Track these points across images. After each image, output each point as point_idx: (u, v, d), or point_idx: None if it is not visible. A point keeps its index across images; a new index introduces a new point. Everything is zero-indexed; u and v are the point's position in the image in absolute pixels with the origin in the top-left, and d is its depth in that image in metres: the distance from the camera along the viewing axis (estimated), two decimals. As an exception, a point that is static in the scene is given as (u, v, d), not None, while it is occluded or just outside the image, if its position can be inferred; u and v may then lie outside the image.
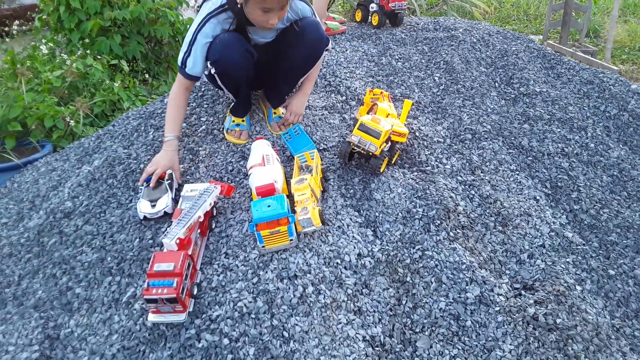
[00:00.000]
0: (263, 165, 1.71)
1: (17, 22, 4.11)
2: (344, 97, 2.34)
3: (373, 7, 2.80)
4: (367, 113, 2.12)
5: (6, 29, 4.52)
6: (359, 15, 2.92)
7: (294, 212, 1.63)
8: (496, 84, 2.58)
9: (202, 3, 1.91)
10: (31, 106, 2.93)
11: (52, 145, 2.92)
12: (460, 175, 2.03)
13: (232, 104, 2.10)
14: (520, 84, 2.58)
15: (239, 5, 1.79)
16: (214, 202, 1.72)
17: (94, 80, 3.32)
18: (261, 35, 1.98)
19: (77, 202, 1.96)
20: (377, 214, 1.78)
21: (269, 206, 1.55)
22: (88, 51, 3.46)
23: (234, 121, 2.08)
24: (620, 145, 2.44)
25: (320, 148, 2.05)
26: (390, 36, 2.77)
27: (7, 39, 4.38)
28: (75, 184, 2.05)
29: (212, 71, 1.88)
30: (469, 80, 2.49)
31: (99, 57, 3.53)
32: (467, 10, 9.11)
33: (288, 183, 1.79)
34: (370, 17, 2.85)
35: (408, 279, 1.60)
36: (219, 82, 1.94)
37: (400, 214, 1.78)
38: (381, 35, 2.77)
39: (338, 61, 2.56)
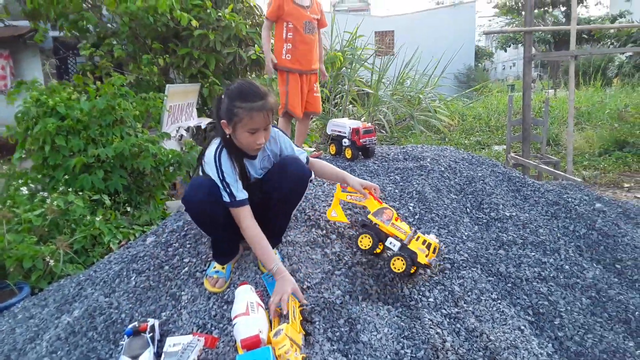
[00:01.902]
0: (247, 315, 1.71)
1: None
2: (324, 231, 2.41)
3: (345, 142, 3.00)
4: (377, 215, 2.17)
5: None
6: (333, 149, 3.11)
7: None
8: (467, 209, 2.70)
9: (202, 153, 2.07)
10: (10, 247, 2.92)
11: (29, 287, 2.86)
12: (444, 308, 2.05)
13: (212, 247, 2.13)
14: (490, 208, 2.71)
15: (228, 136, 1.95)
16: (198, 356, 1.68)
17: (74, 217, 3.35)
18: (254, 169, 2.11)
19: (55, 357, 1.89)
20: (365, 358, 1.76)
21: (255, 361, 1.52)
22: (70, 188, 3.52)
23: (214, 267, 2.11)
24: (594, 265, 2.52)
25: (304, 286, 2.06)
26: (363, 167, 2.93)
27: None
28: (54, 337, 1.99)
29: (184, 209, 1.98)
30: (441, 209, 2.61)
31: (80, 192, 3.59)
32: (432, 124, 9.74)
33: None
34: (343, 151, 3.03)
35: None
36: (196, 225, 2.03)
37: (389, 357, 1.76)
38: (355, 167, 2.93)
39: (316, 195, 2.67)
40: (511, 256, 2.42)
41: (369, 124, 3.00)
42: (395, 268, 2.05)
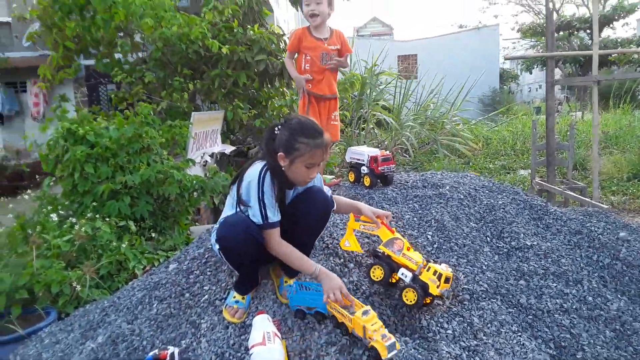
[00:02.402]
0: (264, 344, 1.73)
1: (29, 191, 4.34)
2: (342, 260, 2.43)
3: (364, 169, 3.04)
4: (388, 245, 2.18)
5: (23, 183, 4.80)
6: (351, 177, 3.15)
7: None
8: (488, 238, 2.69)
9: (241, 172, 2.13)
10: (39, 272, 3.01)
11: (56, 312, 2.94)
12: (463, 340, 2.03)
13: (237, 280, 2.17)
14: (511, 237, 2.69)
15: (282, 168, 2.02)
16: (216, 385, 1.71)
17: (101, 242, 3.44)
18: (288, 198, 2.17)
19: (78, 384, 1.94)
20: (381, 392, 1.75)
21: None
22: (98, 214, 3.63)
23: (234, 297, 2.14)
24: (619, 296, 2.46)
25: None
26: (382, 195, 2.95)
27: (24, 195, 4.56)
28: (77, 363, 2.04)
29: (217, 247, 2.04)
30: (460, 237, 2.60)
31: (107, 218, 3.70)
32: (456, 148, 9.69)
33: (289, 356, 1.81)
34: (362, 178, 3.06)
35: None
36: (224, 258, 2.06)
37: (404, 390, 1.75)
38: (374, 195, 2.96)
39: (335, 222, 2.70)
40: (532, 287, 2.39)
41: (388, 152, 3.04)
42: (407, 300, 2.06)
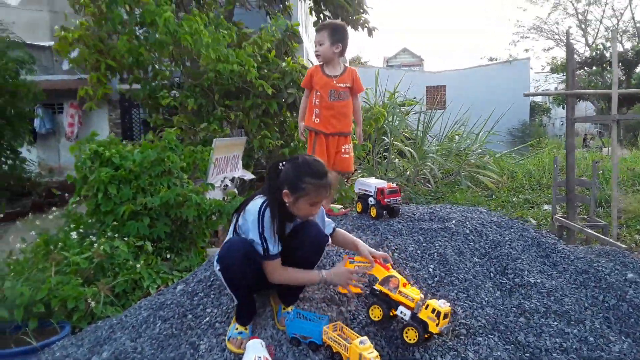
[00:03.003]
0: (255, 369, 1.79)
1: (54, 209, 4.55)
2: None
3: (371, 201, 3.10)
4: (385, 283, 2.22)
5: (54, 199, 5.04)
6: (359, 207, 3.21)
7: None
8: (491, 274, 2.69)
9: (243, 203, 2.23)
10: (57, 287, 3.15)
11: (70, 327, 3.06)
12: (455, 375, 2.04)
13: (236, 309, 2.23)
14: (515, 274, 2.69)
15: (287, 204, 2.12)
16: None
17: (119, 261, 3.57)
18: (288, 228, 2.25)
19: (80, 397, 2.03)
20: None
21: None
22: (117, 234, 3.77)
23: (237, 329, 2.19)
24: (623, 338, 2.42)
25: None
26: (387, 227, 2.99)
27: (49, 215, 4.77)
28: (82, 377, 2.13)
29: (217, 268, 2.13)
30: (462, 272, 2.61)
31: (126, 238, 3.83)
32: (480, 180, 9.63)
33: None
34: (369, 209, 3.12)
35: None
36: (223, 280, 2.14)
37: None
38: (379, 226, 3.00)
39: (338, 251, 2.75)
40: (532, 325, 2.38)
41: (394, 185, 3.09)
42: (408, 339, 2.09)
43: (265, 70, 6.54)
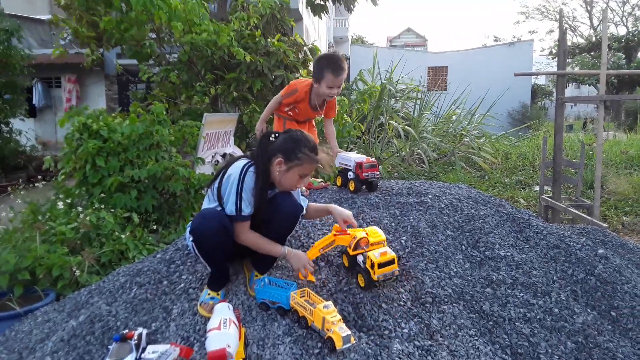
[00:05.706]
0: (219, 330, 1.86)
1: (43, 181, 4.59)
2: (314, 259, 2.52)
3: (350, 175, 3.14)
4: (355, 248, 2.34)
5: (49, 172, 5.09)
6: (339, 181, 3.26)
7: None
8: (462, 247, 2.74)
9: (225, 167, 2.27)
10: (42, 256, 3.22)
11: (55, 294, 3.14)
12: (417, 340, 2.11)
13: (209, 277, 2.29)
14: (486, 247, 2.74)
15: (277, 172, 2.19)
16: (172, 363, 1.83)
17: (105, 232, 3.63)
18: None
19: (55, 357, 2.11)
20: (326, 381, 1.85)
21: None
22: (103, 206, 3.83)
23: (209, 294, 2.24)
24: (588, 310, 2.48)
25: (285, 309, 2.18)
26: (365, 200, 3.04)
27: (37, 185, 4.78)
28: (58, 338, 2.21)
29: (190, 239, 2.17)
30: (433, 244, 2.66)
31: (113, 210, 3.89)
32: (474, 161, 9.65)
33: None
34: (348, 183, 3.16)
35: None
36: (196, 251, 2.19)
37: (348, 381, 1.84)
38: (357, 200, 3.05)
39: (313, 223, 2.80)
40: (498, 295, 2.44)
41: (373, 159, 3.12)
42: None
43: (252, 47, 6.53)
